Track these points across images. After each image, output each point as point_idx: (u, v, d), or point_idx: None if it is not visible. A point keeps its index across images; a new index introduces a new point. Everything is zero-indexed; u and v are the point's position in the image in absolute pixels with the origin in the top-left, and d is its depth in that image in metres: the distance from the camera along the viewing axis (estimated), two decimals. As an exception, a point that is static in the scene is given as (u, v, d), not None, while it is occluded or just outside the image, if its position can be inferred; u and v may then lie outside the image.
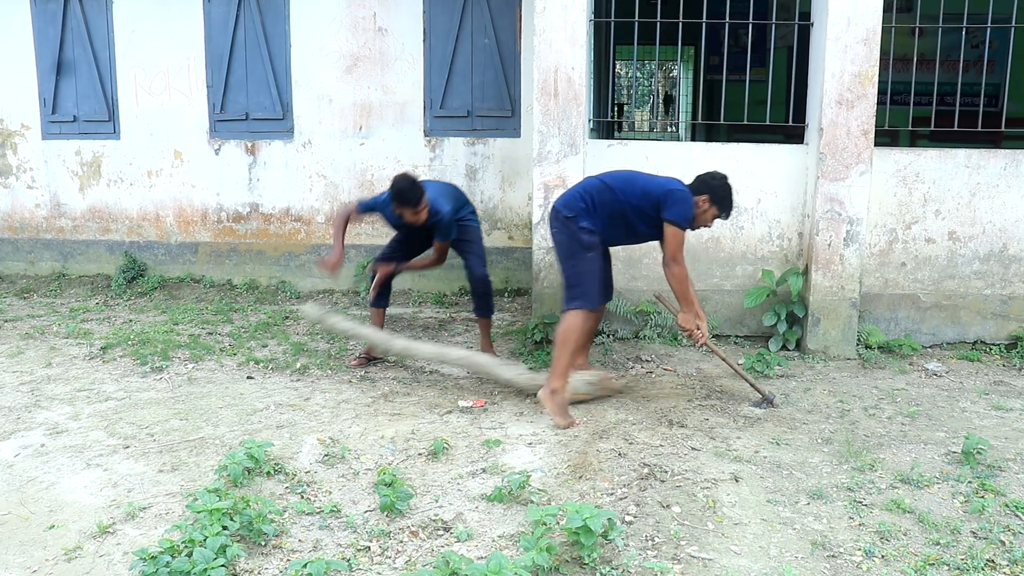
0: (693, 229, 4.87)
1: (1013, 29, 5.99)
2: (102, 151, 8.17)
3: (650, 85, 22.30)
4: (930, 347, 6.08)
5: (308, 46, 7.69)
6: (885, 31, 5.74)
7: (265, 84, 7.81)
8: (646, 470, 3.90)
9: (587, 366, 5.24)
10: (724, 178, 4.80)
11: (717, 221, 4.96)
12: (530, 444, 4.28)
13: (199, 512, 3.23)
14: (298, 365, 5.62)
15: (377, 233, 7.78)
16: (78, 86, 8.14)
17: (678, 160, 6.10)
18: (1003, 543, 3.28)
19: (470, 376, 5.43)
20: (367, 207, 5.63)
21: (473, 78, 7.56)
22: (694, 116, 10.47)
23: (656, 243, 4.90)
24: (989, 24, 5.94)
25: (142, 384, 5.30)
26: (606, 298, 5.16)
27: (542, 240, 6.02)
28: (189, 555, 2.96)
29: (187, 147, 8.02)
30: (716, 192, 4.75)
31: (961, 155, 5.95)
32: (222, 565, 2.92)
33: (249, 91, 7.86)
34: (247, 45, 7.79)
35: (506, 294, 7.46)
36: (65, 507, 3.61)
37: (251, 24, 7.73)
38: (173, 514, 3.53)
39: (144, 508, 3.58)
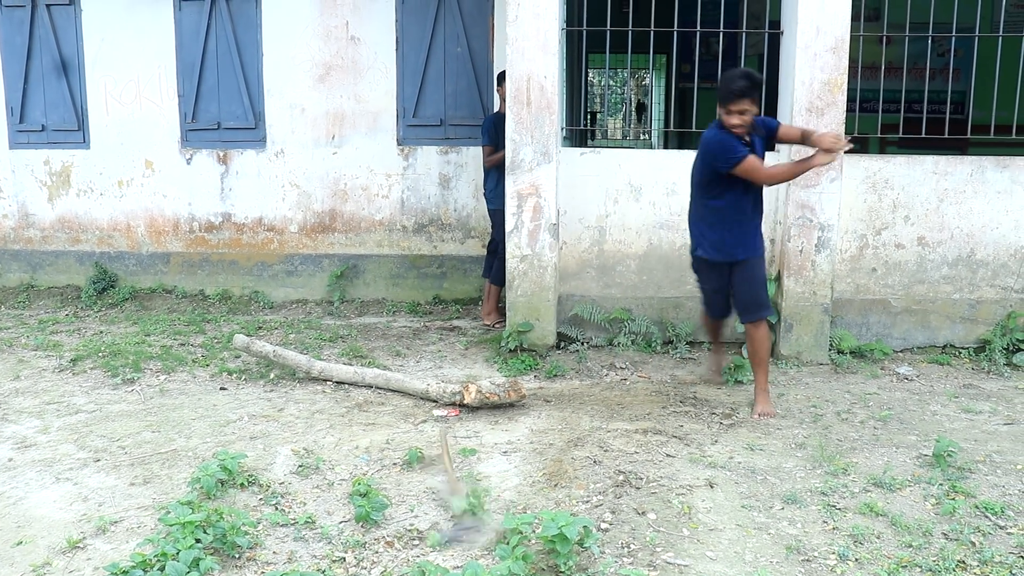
0: (745, 145, 4.67)
1: (977, 38, 6.08)
2: (71, 161, 8.08)
3: (622, 93, 22.41)
4: (901, 351, 6.15)
5: (280, 55, 7.65)
6: (853, 39, 5.81)
7: (237, 93, 7.76)
8: (621, 477, 3.91)
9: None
10: (729, 74, 4.70)
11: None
12: (505, 453, 4.28)
13: (172, 525, 3.19)
14: (271, 376, 5.58)
15: (350, 243, 7.76)
16: (46, 95, 8.05)
17: (651, 167, 6.14)
18: (974, 544, 3.32)
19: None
20: None
21: (446, 87, 7.57)
22: (667, 124, 10.54)
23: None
24: (954, 33, 6.03)
25: (113, 396, 5.24)
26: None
27: (516, 249, 6.03)
28: (162, 569, 2.93)
29: (158, 156, 7.95)
30: (719, 93, 4.67)
31: (929, 162, 6.04)
32: (195, 578, 2.89)
33: (221, 100, 7.81)
34: (219, 54, 7.75)
35: (479, 302, 7.45)
36: (33, 522, 3.56)
37: (223, 32, 7.69)
38: (145, 528, 3.49)
39: (115, 522, 3.53)
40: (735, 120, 4.61)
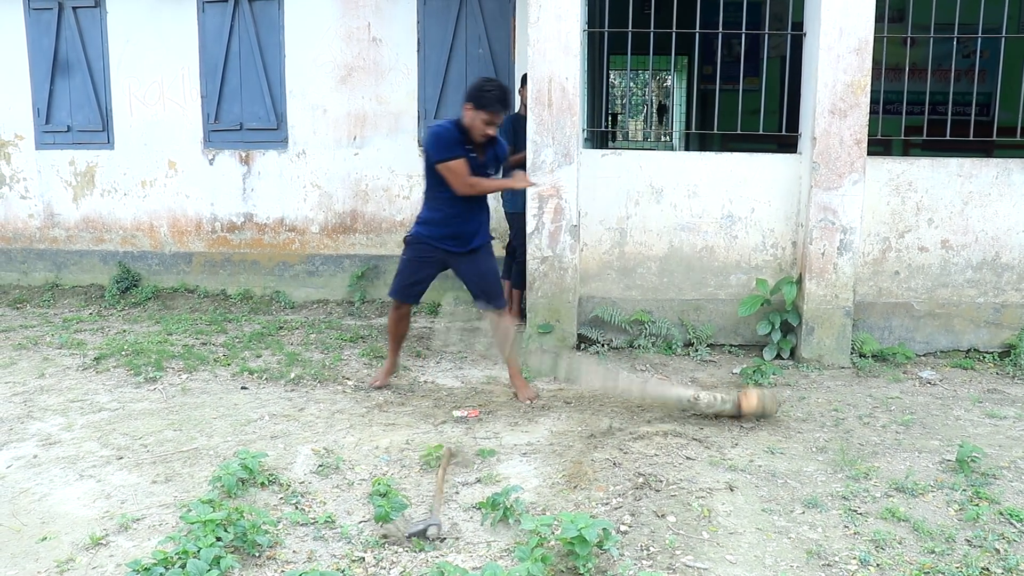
0: (476, 141, 4.82)
1: (1004, 38, 6.02)
2: (96, 161, 8.16)
3: (644, 94, 22.36)
4: (924, 355, 6.10)
5: (302, 56, 7.70)
6: (877, 41, 5.76)
7: (259, 94, 7.81)
8: (641, 479, 3.90)
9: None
10: (496, 84, 4.80)
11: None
12: (525, 454, 4.27)
13: (193, 523, 3.21)
14: (292, 375, 5.61)
15: (371, 243, 7.79)
16: (72, 96, 8.14)
17: (672, 169, 6.12)
18: (998, 551, 3.28)
19: (464, 386, 5.42)
20: None
21: (467, 88, 7.57)
22: (688, 125, 10.51)
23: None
24: (980, 34, 5.97)
25: (136, 395, 5.28)
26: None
27: (536, 250, 6.03)
28: (183, 567, 2.95)
29: (181, 157, 8.02)
30: (479, 96, 4.72)
31: (953, 164, 5.98)
32: (216, 576, 2.91)
33: (243, 101, 7.86)
34: (241, 55, 7.80)
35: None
36: (58, 519, 3.59)
37: (245, 34, 7.74)
38: (167, 525, 3.51)
39: (137, 519, 3.56)
40: (489, 130, 4.77)
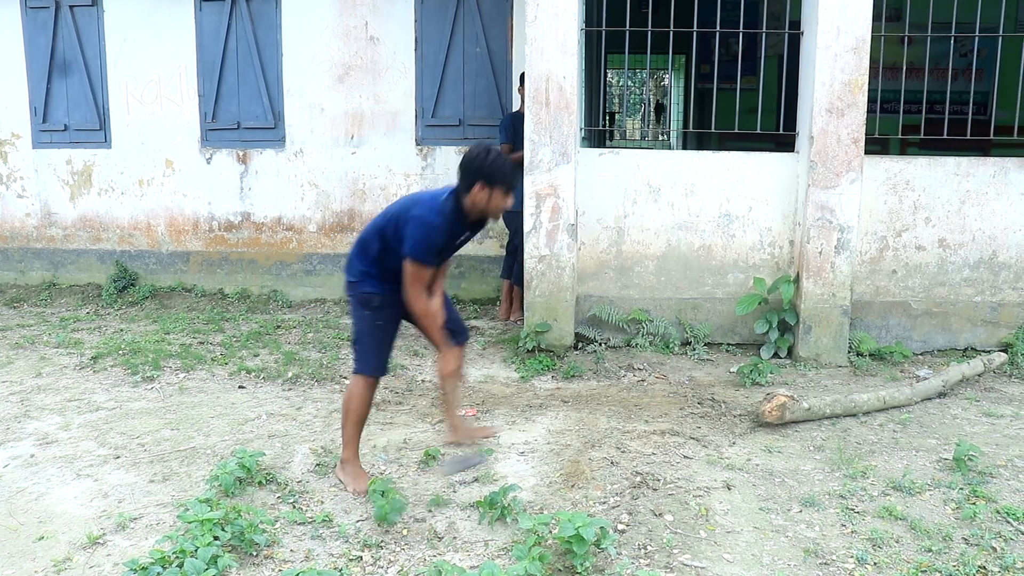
0: (493, 218, 3.88)
1: (1001, 38, 6.03)
2: (93, 160, 8.15)
3: (641, 93, 22.37)
4: (921, 354, 6.10)
5: (300, 55, 7.69)
6: (874, 40, 5.77)
7: (257, 93, 7.80)
8: (638, 478, 3.90)
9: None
10: (482, 152, 3.78)
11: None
12: (522, 453, 4.28)
13: (190, 522, 3.21)
14: (290, 374, 5.60)
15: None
16: (69, 95, 8.13)
17: (670, 168, 6.12)
18: (995, 549, 3.29)
19: (462, 385, 5.42)
20: None
21: (465, 87, 7.58)
22: (685, 124, 10.51)
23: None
24: (977, 33, 5.98)
25: (133, 394, 5.28)
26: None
27: (534, 249, 6.03)
28: (180, 566, 2.95)
29: (178, 156, 8.01)
30: (495, 171, 3.74)
31: (951, 163, 5.98)
32: (214, 575, 2.90)
33: (241, 100, 7.85)
34: (239, 54, 7.79)
35: (497, 302, 7.45)
36: (55, 518, 3.59)
37: (243, 33, 7.73)
38: (164, 524, 3.51)
39: (135, 519, 3.56)
40: (508, 201, 3.79)
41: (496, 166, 3.75)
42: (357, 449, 3.96)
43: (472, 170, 3.76)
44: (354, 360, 3.93)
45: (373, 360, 3.89)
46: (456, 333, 4.02)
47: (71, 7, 7.95)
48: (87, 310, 7.65)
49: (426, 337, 3.98)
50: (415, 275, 3.69)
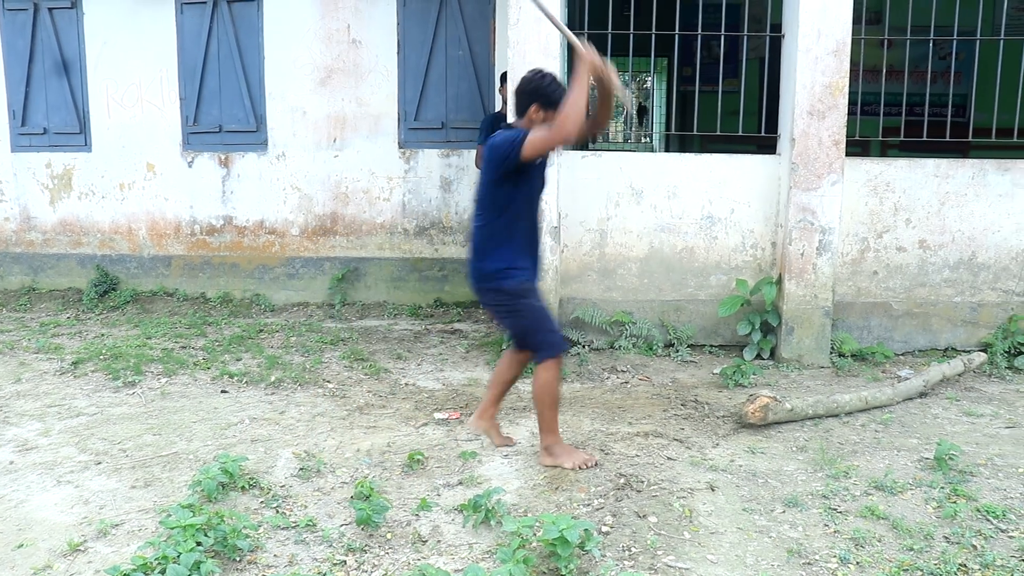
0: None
1: (979, 41, 6.08)
2: (73, 164, 8.09)
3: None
4: (902, 354, 6.15)
5: (282, 58, 7.66)
6: (855, 43, 5.81)
7: (239, 96, 7.77)
8: (622, 480, 3.91)
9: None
10: (536, 76, 3.98)
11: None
12: (506, 456, 4.27)
13: (173, 528, 3.19)
14: (272, 379, 5.58)
15: (351, 246, 7.77)
16: (48, 98, 8.06)
17: (652, 170, 6.14)
18: (975, 547, 3.32)
19: (445, 388, 5.42)
20: None
21: (447, 90, 7.58)
22: (667, 127, 10.53)
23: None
24: (955, 36, 6.04)
25: (114, 399, 5.24)
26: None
27: (517, 251, 6.02)
28: (163, 572, 2.93)
29: (160, 159, 7.96)
30: (547, 93, 3.89)
31: (930, 165, 6.04)
32: (196, 582, 2.89)
33: (223, 103, 7.82)
34: (220, 57, 7.76)
35: (480, 305, 7.44)
36: (35, 525, 3.55)
37: (224, 36, 7.70)
38: (146, 531, 3.48)
39: (116, 525, 3.53)
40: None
41: (552, 88, 3.92)
42: (558, 429, 4.11)
43: (528, 91, 3.94)
44: (535, 351, 4.03)
45: (553, 338, 4.03)
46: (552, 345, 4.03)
47: (50, 9, 7.89)
48: (67, 315, 7.59)
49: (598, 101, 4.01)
50: (543, 138, 3.74)
